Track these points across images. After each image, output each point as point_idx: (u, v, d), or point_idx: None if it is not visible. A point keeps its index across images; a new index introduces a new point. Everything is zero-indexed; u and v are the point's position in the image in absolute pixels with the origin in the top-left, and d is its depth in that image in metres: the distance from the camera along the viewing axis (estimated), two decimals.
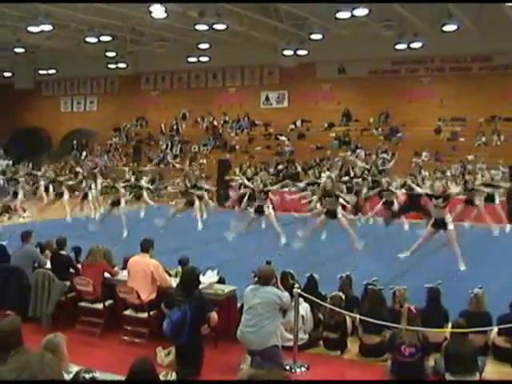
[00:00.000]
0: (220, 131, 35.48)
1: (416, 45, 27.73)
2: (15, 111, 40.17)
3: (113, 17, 26.31)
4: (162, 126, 37.17)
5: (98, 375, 5.17)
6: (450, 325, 8.53)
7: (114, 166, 35.56)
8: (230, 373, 7.44)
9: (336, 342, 8.88)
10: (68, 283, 9.99)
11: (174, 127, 36.86)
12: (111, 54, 33.73)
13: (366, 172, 24.04)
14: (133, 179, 22.29)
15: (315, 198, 18.73)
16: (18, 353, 4.32)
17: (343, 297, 9.12)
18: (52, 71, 39.07)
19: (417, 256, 15.17)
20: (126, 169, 28.52)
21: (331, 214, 15.94)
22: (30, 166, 35.52)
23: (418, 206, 18.85)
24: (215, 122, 35.86)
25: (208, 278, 9.33)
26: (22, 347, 4.74)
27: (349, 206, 19.10)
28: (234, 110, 36.06)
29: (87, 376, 5.03)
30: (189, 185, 20.35)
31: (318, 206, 18.27)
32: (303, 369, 8.23)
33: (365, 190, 22.15)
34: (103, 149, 37.66)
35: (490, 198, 19.55)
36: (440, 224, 14.34)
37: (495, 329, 8.52)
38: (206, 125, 36.31)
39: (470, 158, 27.38)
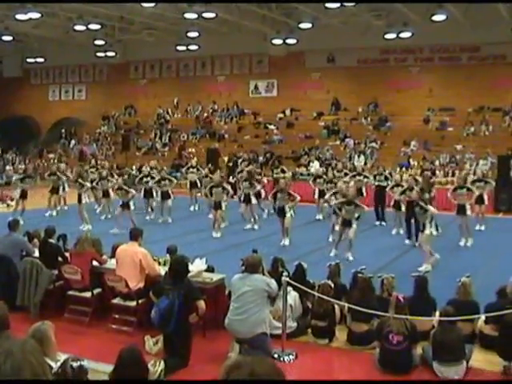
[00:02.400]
0: (210, 120, 35.34)
1: (405, 34, 27.67)
2: (3, 99, 39.81)
3: (102, 5, 26.14)
4: (156, 115, 37.04)
5: (86, 363, 5.16)
6: (437, 313, 8.59)
7: (103, 154, 35.48)
8: (218, 361, 7.44)
9: (324, 330, 8.89)
10: (56, 272, 9.96)
11: (164, 116, 36.69)
12: (100, 43, 33.46)
13: None
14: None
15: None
16: (1, 338, 4.28)
17: (332, 285, 9.14)
18: (40, 59, 38.78)
19: (404, 245, 15.43)
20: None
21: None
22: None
23: None
24: (205, 114, 35.67)
25: (196, 267, 9.32)
26: (5, 333, 4.70)
27: None
28: (223, 98, 35.94)
29: (75, 364, 5.02)
30: None
31: None
32: (291, 357, 8.25)
33: None
34: (92, 137, 37.48)
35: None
36: None
37: (482, 317, 8.56)
38: (196, 114, 36.20)
39: (458, 147, 27.45)
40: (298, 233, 17.01)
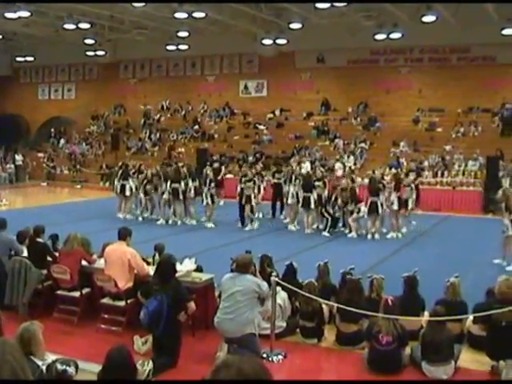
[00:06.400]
0: (199, 120, 35.25)
1: (395, 35, 27.71)
2: None
3: (92, 4, 26.02)
4: (142, 113, 36.89)
5: (72, 370, 5.13)
6: (426, 313, 8.61)
7: (93, 153, 35.39)
8: (207, 361, 7.47)
9: (313, 330, 8.90)
10: (45, 271, 9.92)
11: (152, 115, 36.60)
12: (90, 42, 33.29)
13: None
14: None
15: None
16: None
17: (316, 284, 9.15)
18: (30, 58, 38.65)
19: (393, 246, 15.47)
20: None
21: None
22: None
23: None
24: (198, 117, 35.53)
25: (185, 266, 9.32)
26: None
27: None
28: (213, 98, 35.89)
29: (59, 367, 5.01)
30: None
31: None
32: (280, 357, 8.25)
33: None
34: (81, 137, 37.38)
35: None
36: None
37: (471, 317, 8.58)
38: (185, 113, 36.14)
39: (447, 148, 27.51)
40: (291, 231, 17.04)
